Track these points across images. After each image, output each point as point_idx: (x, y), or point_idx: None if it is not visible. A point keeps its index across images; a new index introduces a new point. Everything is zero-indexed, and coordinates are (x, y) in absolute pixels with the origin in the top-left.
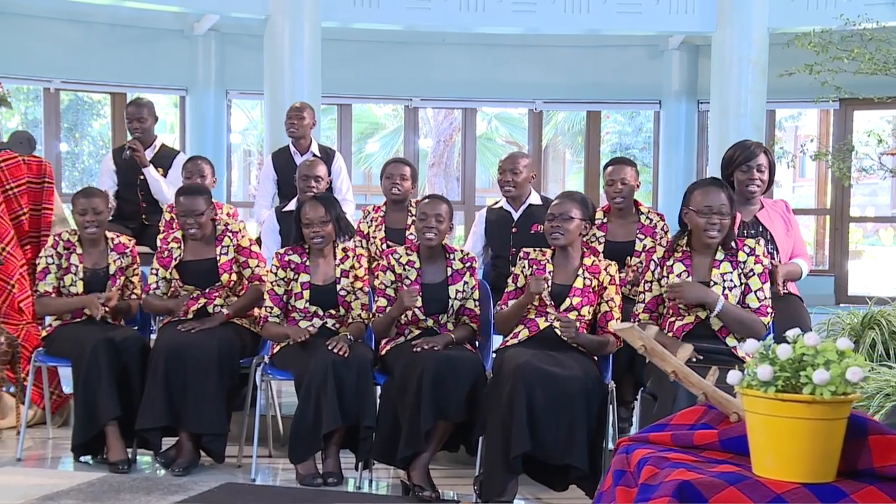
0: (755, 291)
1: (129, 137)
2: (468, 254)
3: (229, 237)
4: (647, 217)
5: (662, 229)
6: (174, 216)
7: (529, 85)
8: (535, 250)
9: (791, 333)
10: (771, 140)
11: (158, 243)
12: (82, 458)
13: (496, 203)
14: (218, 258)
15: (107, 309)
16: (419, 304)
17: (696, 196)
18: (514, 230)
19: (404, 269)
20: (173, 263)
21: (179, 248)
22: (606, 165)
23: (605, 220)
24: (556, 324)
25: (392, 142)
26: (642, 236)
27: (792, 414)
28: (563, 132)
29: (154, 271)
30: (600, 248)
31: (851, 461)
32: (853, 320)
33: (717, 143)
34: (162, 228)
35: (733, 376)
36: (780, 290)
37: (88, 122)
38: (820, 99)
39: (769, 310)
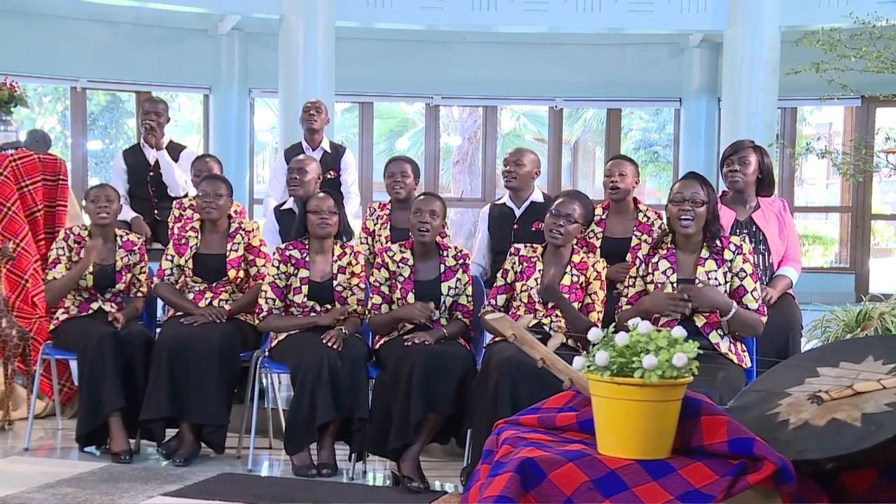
0: (751, 292)
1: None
2: (461, 250)
3: (241, 235)
4: (645, 215)
5: (660, 227)
6: (182, 213)
7: (550, 83)
8: (525, 247)
9: (631, 322)
10: (791, 137)
11: (170, 239)
12: (87, 449)
13: (499, 199)
14: (227, 254)
15: (118, 321)
16: (424, 320)
17: (673, 188)
18: (515, 227)
19: (398, 267)
20: (189, 253)
21: (196, 237)
22: (607, 161)
23: (603, 217)
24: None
25: (421, 139)
26: (639, 233)
27: (627, 396)
28: (592, 129)
29: (169, 257)
30: (598, 243)
31: (686, 440)
32: (848, 317)
33: (728, 141)
34: (170, 224)
35: (577, 361)
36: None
37: (123, 121)
38: (825, 97)
39: (764, 308)
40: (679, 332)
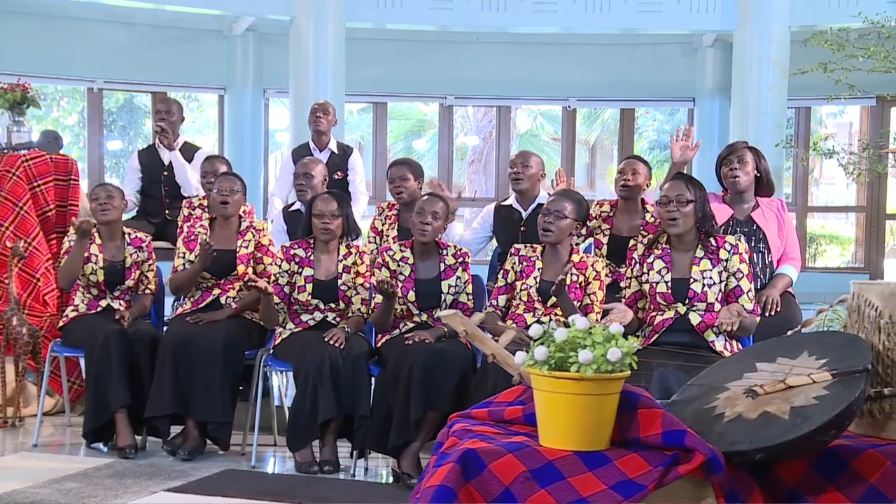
0: (747, 293)
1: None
2: (461, 249)
3: (252, 233)
4: (652, 215)
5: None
6: (191, 212)
7: (563, 83)
8: (525, 246)
9: (571, 318)
10: (805, 137)
11: (180, 240)
12: (94, 445)
13: (505, 200)
14: (238, 250)
15: (125, 318)
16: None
17: (662, 190)
18: (522, 229)
19: (398, 266)
20: (199, 248)
21: (206, 234)
22: (621, 161)
23: (611, 214)
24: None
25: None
26: (645, 233)
27: (564, 390)
28: (609, 129)
29: (181, 255)
30: (605, 240)
31: (624, 432)
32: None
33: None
34: (180, 223)
35: (519, 356)
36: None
37: (140, 121)
38: (832, 97)
39: (758, 309)
40: (616, 328)
